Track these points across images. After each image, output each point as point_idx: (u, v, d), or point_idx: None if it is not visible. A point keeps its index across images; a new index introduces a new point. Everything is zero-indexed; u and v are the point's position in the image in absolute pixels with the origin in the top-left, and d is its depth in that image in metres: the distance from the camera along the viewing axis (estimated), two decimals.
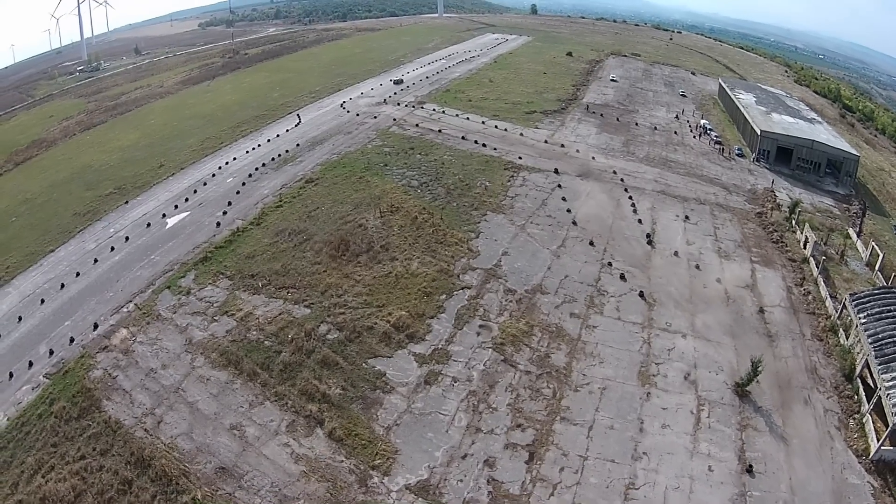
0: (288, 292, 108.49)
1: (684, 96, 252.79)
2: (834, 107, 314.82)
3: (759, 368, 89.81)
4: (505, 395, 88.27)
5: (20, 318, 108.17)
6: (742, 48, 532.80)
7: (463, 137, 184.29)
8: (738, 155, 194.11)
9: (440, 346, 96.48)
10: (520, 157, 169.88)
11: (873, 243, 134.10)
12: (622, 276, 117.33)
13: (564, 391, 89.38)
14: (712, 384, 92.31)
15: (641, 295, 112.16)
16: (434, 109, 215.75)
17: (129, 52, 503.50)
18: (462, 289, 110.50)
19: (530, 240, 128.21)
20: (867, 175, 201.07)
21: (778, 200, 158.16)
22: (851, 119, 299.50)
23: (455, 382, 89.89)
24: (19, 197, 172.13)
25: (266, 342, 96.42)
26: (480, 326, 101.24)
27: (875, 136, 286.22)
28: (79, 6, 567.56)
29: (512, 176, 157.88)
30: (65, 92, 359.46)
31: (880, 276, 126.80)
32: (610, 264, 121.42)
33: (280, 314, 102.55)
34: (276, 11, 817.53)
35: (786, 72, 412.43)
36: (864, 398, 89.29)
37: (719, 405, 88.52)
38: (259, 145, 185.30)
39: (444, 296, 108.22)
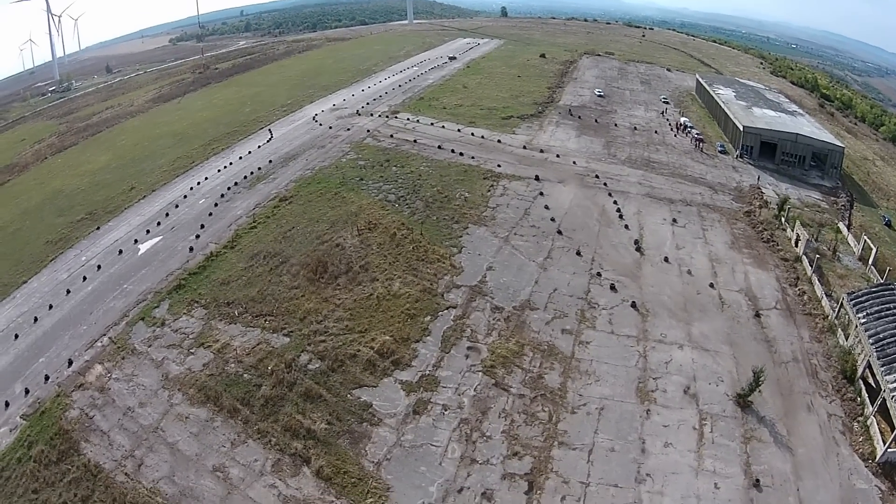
0: (265, 320, 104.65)
1: (667, 103, 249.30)
2: (812, 96, 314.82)
3: (762, 378, 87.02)
4: (499, 421, 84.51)
5: None
6: (715, 42, 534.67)
7: (439, 147, 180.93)
8: (720, 152, 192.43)
9: (427, 372, 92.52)
10: (499, 165, 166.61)
11: (865, 237, 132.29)
12: (613, 287, 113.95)
13: (561, 414, 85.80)
14: (713, 396, 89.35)
15: (634, 305, 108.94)
16: (408, 119, 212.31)
17: (101, 71, 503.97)
18: (447, 308, 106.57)
19: (515, 252, 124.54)
20: (852, 165, 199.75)
21: (765, 197, 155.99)
22: (830, 108, 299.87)
23: (445, 411, 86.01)
24: None
25: (245, 375, 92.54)
26: (469, 348, 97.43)
27: (855, 124, 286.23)
28: (49, 25, 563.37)
29: (492, 185, 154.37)
30: (37, 114, 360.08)
31: (874, 270, 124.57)
32: (599, 274, 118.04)
33: (258, 344, 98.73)
34: (246, 24, 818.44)
35: (761, 64, 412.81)
36: (867, 400, 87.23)
37: (722, 418, 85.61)
38: (231, 163, 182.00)
39: (428, 317, 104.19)
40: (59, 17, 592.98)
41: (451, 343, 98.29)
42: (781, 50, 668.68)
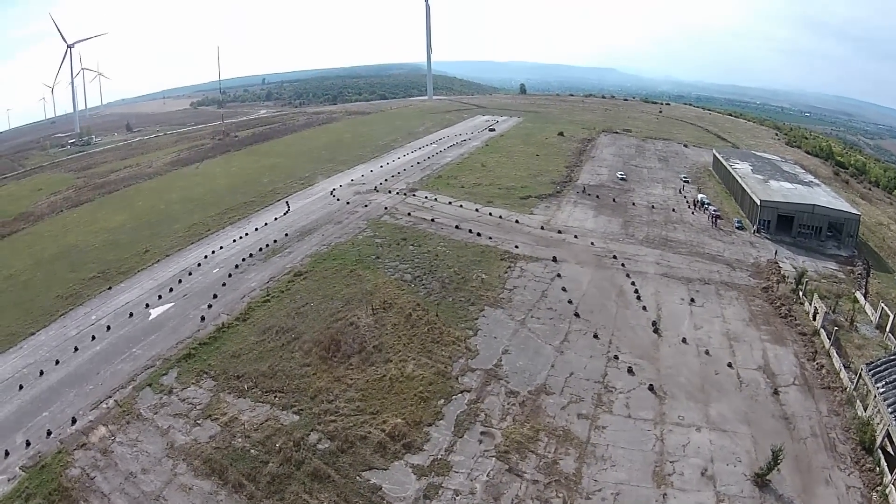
0: (275, 396, 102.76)
1: (686, 182, 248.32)
2: (827, 165, 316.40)
3: (780, 457, 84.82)
4: None
5: None
6: (731, 115, 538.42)
7: (457, 226, 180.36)
8: (737, 227, 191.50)
9: (440, 457, 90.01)
10: (516, 246, 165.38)
11: (883, 304, 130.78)
12: (630, 370, 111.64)
13: (575, 500, 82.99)
14: (731, 478, 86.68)
15: (651, 388, 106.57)
16: (426, 197, 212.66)
17: (121, 128, 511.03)
18: (461, 392, 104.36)
19: (531, 335, 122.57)
20: (867, 232, 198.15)
21: (783, 272, 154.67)
22: (845, 175, 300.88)
23: (457, 496, 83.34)
24: (3, 272, 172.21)
25: (252, 451, 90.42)
26: (482, 433, 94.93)
27: (869, 189, 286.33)
28: (72, 79, 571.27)
29: (509, 267, 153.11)
30: (55, 164, 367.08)
31: (892, 337, 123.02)
32: (616, 357, 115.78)
33: (267, 420, 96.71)
34: (267, 93, 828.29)
35: (776, 135, 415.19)
36: (886, 469, 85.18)
37: (739, 499, 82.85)
38: (247, 234, 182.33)
39: (442, 400, 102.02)
40: (82, 71, 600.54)
41: (465, 427, 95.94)
42: (795, 119, 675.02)
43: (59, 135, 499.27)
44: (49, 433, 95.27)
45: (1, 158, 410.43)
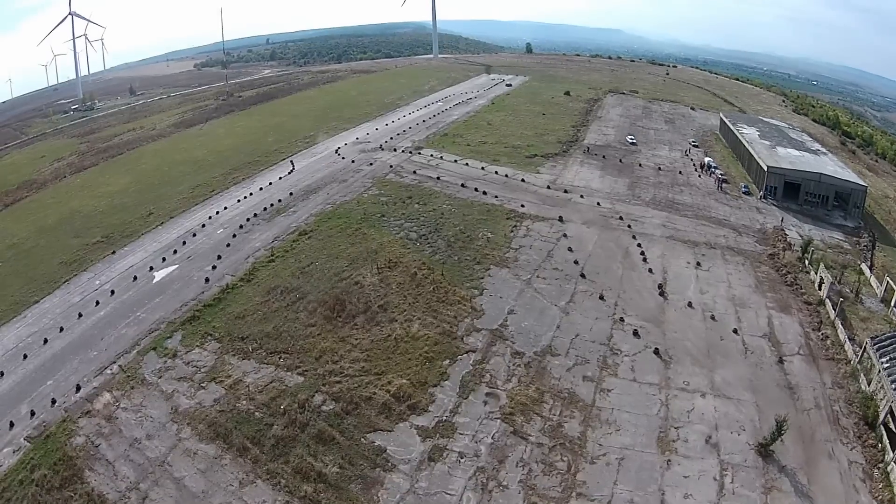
0: (280, 357, 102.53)
1: (696, 146, 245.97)
2: (834, 134, 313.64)
3: (784, 428, 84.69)
4: (516, 470, 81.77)
5: (1, 374, 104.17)
6: (738, 80, 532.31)
7: (462, 185, 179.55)
8: (744, 192, 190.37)
9: (444, 418, 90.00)
10: (522, 205, 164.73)
11: (888, 279, 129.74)
12: (636, 333, 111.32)
13: (580, 464, 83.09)
14: (735, 446, 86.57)
15: (657, 352, 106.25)
16: (432, 155, 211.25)
17: (124, 92, 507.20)
18: (466, 353, 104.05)
19: (537, 296, 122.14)
20: (873, 204, 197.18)
21: (789, 239, 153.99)
22: (852, 146, 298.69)
23: (462, 458, 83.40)
24: (6, 241, 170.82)
25: (257, 413, 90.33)
26: (487, 395, 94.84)
27: (876, 161, 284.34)
28: (73, 44, 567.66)
29: (515, 226, 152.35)
30: (58, 131, 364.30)
31: None
32: (622, 320, 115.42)
33: (271, 382, 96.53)
34: (271, 53, 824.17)
35: (783, 101, 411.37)
36: (888, 446, 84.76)
37: (743, 468, 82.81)
38: (251, 194, 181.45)
39: (447, 361, 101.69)
40: (85, 34, 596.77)
41: (470, 388, 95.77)
42: (802, 87, 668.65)
43: (62, 101, 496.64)
44: (53, 402, 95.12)
45: (2, 128, 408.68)
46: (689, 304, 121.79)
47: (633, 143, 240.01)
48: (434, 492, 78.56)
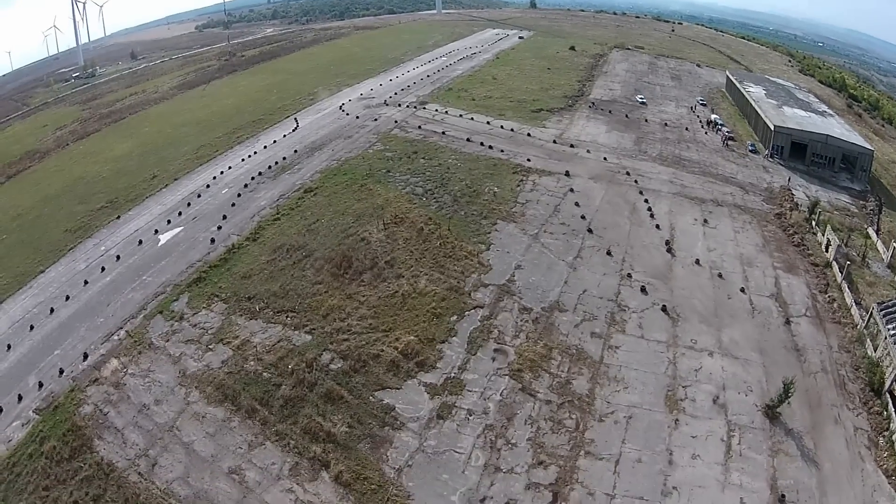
0: (287, 316, 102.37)
1: (704, 105, 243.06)
2: (840, 96, 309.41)
3: (791, 390, 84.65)
4: (524, 428, 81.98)
5: (9, 347, 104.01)
6: (744, 38, 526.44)
7: (468, 139, 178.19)
8: (751, 151, 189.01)
9: (453, 375, 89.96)
10: (528, 160, 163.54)
11: (895, 244, 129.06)
12: (643, 289, 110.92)
13: (588, 422, 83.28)
14: (742, 407, 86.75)
15: (664, 309, 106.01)
16: (437, 110, 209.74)
17: (126, 57, 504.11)
18: (474, 308, 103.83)
19: (544, 251, 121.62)
20: (880, 168, 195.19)
21: (795, 199, 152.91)
22: (858, 109, 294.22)
23: (470, 416, 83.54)
24: (11, 212, 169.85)
25: (265, 374, 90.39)
26: (495, 351, 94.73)
27: (882, 125, 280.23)
28: (73, 10, 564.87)
29: (521, 180, 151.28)
30: (60, 100, 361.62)
31: None
32: (630, 276, 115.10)
33: (279, 342, 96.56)
34: (273, 12, 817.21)
35: (789, 61, 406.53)
36: (893, 414, 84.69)
37: (750, 430, 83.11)
38: (255, 152, 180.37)
39: (455, 317, 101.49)
40: (84, 3, 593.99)
41: (478, 345, 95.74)
42: (808, 48, 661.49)
43: (63, 70, 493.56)
44: (61, 371, 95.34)
45: (4, 100, 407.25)
46: (697, 262, 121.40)
47: (642, 103, 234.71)
48: (443, 450, 78.82)
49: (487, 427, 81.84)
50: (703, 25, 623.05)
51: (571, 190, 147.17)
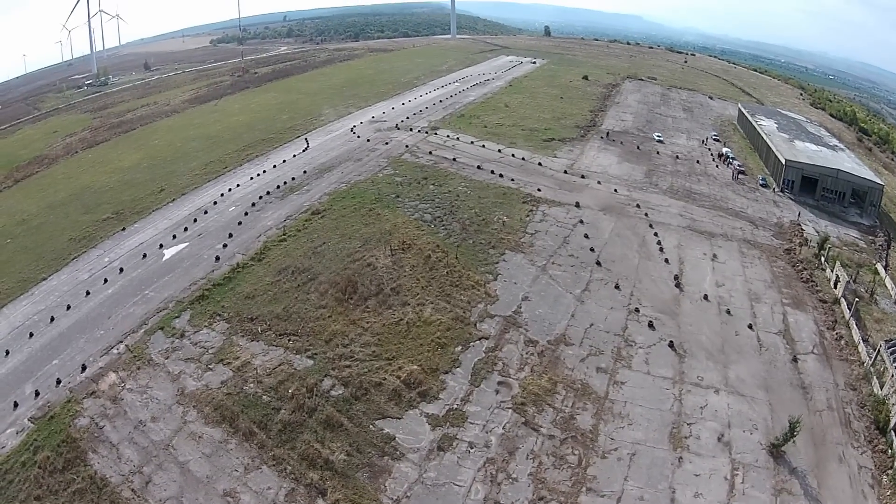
0: (289, 340, 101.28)
1: (717, 140, 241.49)
2: (851, 130, 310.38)
3: (797, 429, 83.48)
4: (526, 463, 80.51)
5: (7, 353, 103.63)
6: (756, 70, 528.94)
7: (479, 167, 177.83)
8: (761, 185, 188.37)
9: (455, 406, 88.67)
10: (539, 189, 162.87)
11: None
12: (651, 324, 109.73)
13: (591, 458, 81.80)
14: (747, 445, 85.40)
15: (671, 345, 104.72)
16: (448, 136, 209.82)
17: (139, 67, 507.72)
18: (479, 339, 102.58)
19: (552, 283, 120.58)
20: (888, 203, 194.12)
21: (805, 235, 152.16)
22: (868, 143, 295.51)
23: (471, 448, 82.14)
24: (16, 217, 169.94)
25: (264, 397, 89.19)
26: (499, 383, 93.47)
27: (892, 159, 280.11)
28: (89, 19, 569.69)
29: (531, 210, 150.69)
30: (71, 106, 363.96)
31: None
32: (637, 310, 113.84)
33: (280, 365, 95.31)
34: (288, 30, 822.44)
35: (801, 94, 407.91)
36: None
37: (754, 468, 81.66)
38: (264, 171, 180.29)
39: (459, 347, 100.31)
40: (101, 11, 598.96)
41: (482, 376, 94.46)
42: (819, 80, 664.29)
43: (76, 76, 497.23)
44: (58, 381, 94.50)
45: (16, 102, 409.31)
46: (705, 297, 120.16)
47: (660, 141, 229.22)
48: (442, 482, 77.46)
49: (488, 460, 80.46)
50: (715, 57, 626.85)
51: (581, 221, 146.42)
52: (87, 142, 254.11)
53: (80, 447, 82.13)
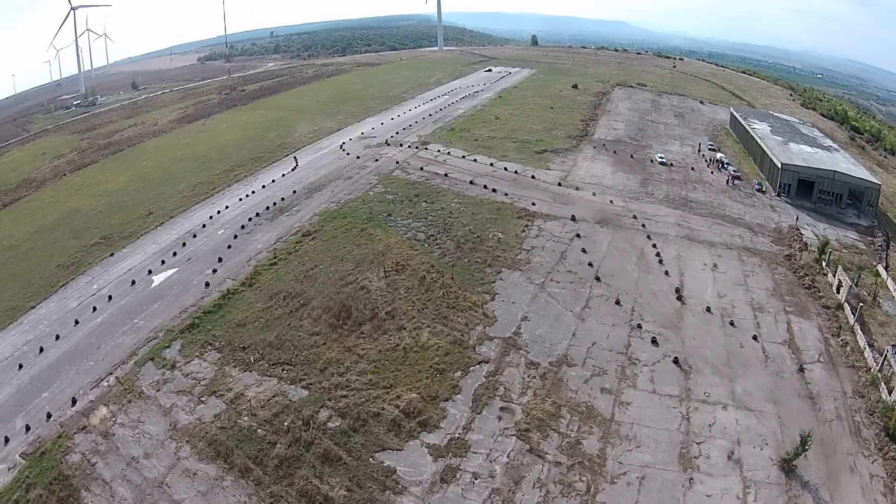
0: (283, 369, 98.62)
1: (713, 150, 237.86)
2: (842, 129, 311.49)
3: (808, 443, 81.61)
4: (533, 492, 77.78)
5: None
6: (745, 73, 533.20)
7: (471, 182, 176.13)
8: (758, 190, 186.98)
9: (457, 436, 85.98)
10: (533, 203, 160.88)
11: None
12: (654, 341, 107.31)
13: (599, 484, 79.16)
14: (757, 461, 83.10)
15: (676, 361, 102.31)
16: (439, 150, 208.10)
17: (127, 87, 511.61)
18: (479, 363, 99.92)
19: (551, 301, 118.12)
20: (885, 202, 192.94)
21: (805, 239, 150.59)
22: (861, 141, 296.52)
23: (476, 479, 79.42)
24: (4, 243, 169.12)
25: (259, 430, 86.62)
26: (502, 409, 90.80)
27: (885, 157, 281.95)
28: (76, 38, 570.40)
29: (526, 225, 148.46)
30: (59, 127, 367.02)
31: None
32: (640, 326, 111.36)
33: (274, 396, 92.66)
34: (275, 45, 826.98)
35: (791, 95, 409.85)
36: None
37: (766, 485, 79.41)
38: (253, 192, 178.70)
39: (458, 373, 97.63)
40: (88, 31, 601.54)
41: (483, 402, 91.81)
42: (808, 80, 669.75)
43: (64, 97, 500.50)
44: (49, 416, 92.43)
45: (5, 124, 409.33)
46: (708, 309, 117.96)
47: (662, 163, 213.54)
48: None
49: (494, 491, 77.87)
50: (703, 60, 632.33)
51: (578, 235, 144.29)
52: (75, 164, 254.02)
53: (72, 485, 79.96)
